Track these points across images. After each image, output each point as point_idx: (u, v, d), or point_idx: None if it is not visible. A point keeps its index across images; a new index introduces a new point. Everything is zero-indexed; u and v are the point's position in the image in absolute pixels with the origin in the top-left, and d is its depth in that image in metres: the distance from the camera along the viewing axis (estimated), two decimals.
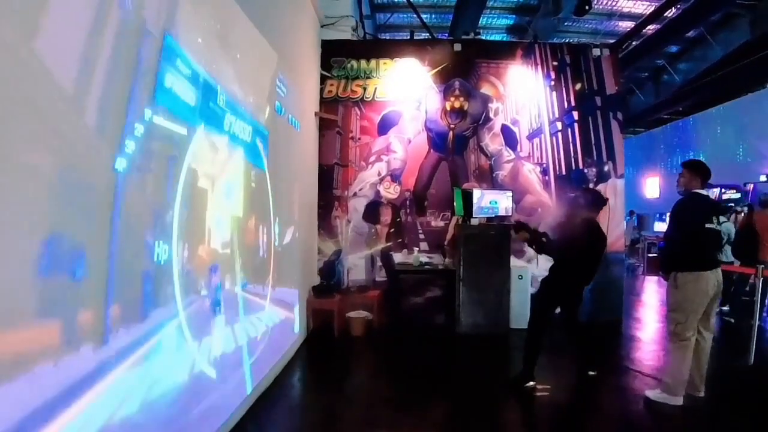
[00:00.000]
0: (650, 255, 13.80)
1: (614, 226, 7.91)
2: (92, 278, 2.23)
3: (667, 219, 4.75)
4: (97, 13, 2.22)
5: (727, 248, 8.38)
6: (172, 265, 2.95)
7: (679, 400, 4.43)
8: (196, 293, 3.33)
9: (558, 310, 5.20)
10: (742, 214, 8.90)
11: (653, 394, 4.59)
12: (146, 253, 2.69)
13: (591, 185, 7.81)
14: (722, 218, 8.28)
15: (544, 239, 5.37)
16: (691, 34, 12.96)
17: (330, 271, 7.57)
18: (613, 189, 7.92)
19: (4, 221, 1.75)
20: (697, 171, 4.60)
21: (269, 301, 5.05)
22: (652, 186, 18.68)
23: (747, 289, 8.24)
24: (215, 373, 3.61)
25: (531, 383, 4.90)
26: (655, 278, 12.61)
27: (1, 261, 1.75)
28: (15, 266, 1.82)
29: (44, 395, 1.94)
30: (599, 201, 5.17)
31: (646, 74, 16.88)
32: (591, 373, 5.16)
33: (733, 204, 11.24)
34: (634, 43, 11.84)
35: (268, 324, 4.98)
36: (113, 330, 2.37)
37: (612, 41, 10.00)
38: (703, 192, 4.59)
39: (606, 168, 7.98)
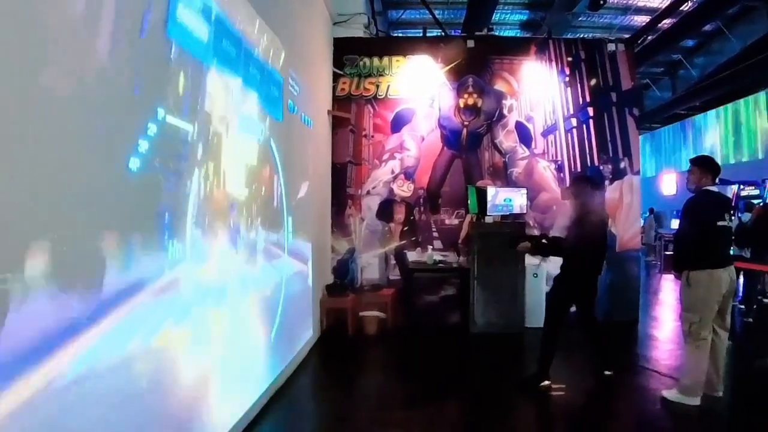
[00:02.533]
0: (667, 253, 13.62)
1: (630, 223, 7.82)
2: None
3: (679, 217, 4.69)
4: None
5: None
6: (189, 201, 2.99)
7: (696, 401, 4.35)
8: (213, 234, 3.37)
9: (573, 308, 5.14)
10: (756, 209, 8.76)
11: (670, 394, 4.51)
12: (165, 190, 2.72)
13: (607, 182, 7.72)
14: (745, 214, 8.20)
15: (544, 241, 5.32)
16: (707, 27, 12.82)
17: (343, 269, 7.54)
18: (629, 186, 7.83)
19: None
20: (707, 167, 4.53)
21: (285, 251, 5.09)
22: (668, 183, 18.52)
23: (759, 287, 8.15)
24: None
25: (546, 383, 4.84)
26: (672, 276, 12.44)
27: None
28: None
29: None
30: (601, 185, 5.08)
31: (663, 69, 16.76)
32: (607, 372, 5.09)
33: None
34: (649, 37, 11.70)
35: (285, 273, 5.05)
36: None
37: (627, 36, 9.94)
38: (714, 189, 4.52)
39: (622, 165, 7.88)
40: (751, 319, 7.93)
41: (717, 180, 4.57)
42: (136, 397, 2.44)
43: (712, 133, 16.26)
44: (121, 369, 2.29)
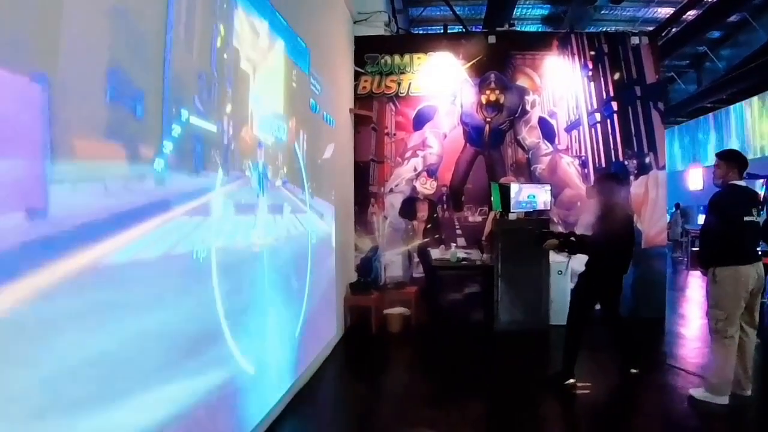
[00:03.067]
0: (694, 249, 13.39)
1: (656, 219, 7.72)
2: (150, 119, 2.36)
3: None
4: None
5: None
6: (217, 133, 3.06)
7: (724, 399, 4.27)
8: (241, 171, 3.44)
9: (598, 306, 5.09)
10: None
11: (698, 393, 4.42)
12: (195, 112, 2.79)
13: (632, 177, 7.63)
14: None
15: (573, 238, 5.28)
16: (733, 18, 12.55)
17: (367, 267, 7.58)
18: (654, 181, 7.72)
19: (75, 36, 1.86)
20: (733, 161, 4.44)
21: (309, 206, 5.13)
22: (695, 177, 18.25)
23: None
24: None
25: (571, 381, 4.79)
26: (698, 273, 12.23)
27: (77, 72, 1.88)
28: (89, 83, 1.96)
29: (115, 206, 2.10)
30: (626, 182, 5.04)
31: (688, 62, 16.47)
32: (633, 371, 5.02)
33: None
34: (673, 29, 11.47)
35: (309, 228, 5.09)
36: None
37: (651, 29, 9.74)
38: (741, 183, 4.43)
39: (647, 159, 7.77)
40: None
41: (744, 174, 4.48)
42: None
43: (739, 126, 15.98)
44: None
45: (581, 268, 5.08)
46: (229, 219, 3.26)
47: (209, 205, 2.95)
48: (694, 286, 11.18)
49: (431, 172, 7.84)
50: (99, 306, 1.99)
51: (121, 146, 2.15)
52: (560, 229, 7.34)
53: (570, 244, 5.24)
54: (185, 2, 2.68)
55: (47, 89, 1.71)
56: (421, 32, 11.82)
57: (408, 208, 7.81)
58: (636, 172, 7.75)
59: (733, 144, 15.45)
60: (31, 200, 1.66)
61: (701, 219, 15.14)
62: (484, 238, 7.63)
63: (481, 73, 7.87)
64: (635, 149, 7.80)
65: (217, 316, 3.07)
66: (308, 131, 5.07)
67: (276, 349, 4.17)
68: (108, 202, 2.06)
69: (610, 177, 5.30)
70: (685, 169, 19.22)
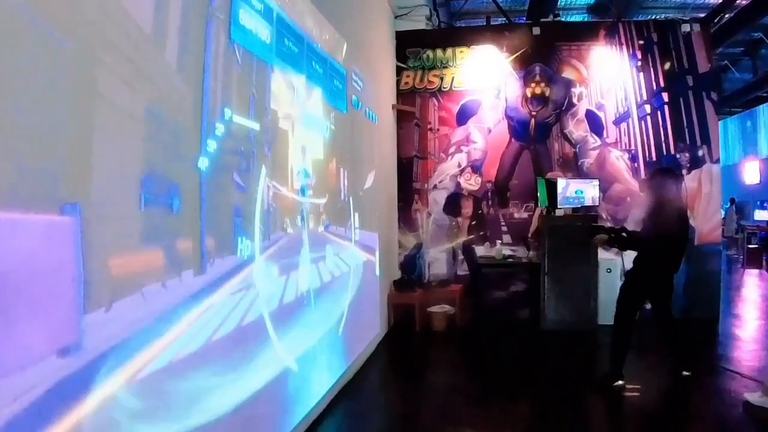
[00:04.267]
0: (750, 246, 12.91)
1: (710, 215, 7.44)
2: (188, 210, 2.40)
3: None
4: None
5: None
6: (257, 200, 3.10)
7: None
8: (282, 230, 3.50)
9: (648, 305, 4.94)
10: None
11: (754, 398, 4.24)
12: (234, 187, 2.85)
13: (684, 171, 7.38)
14: None
15: (624, 234, 5.14)
16: None
17: (411, 265, 7.56)
18: (708, 175, 7.45)
19: (107, 155, 1.88)
20: None
21: (352, 242, 5.20)
22: (751, 171, 17.61)
23: None
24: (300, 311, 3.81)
25: (619, 382, 4.69)
26: (756, 271, 11.79)
27: (109, 192, 1.90)
28: (120, 198, 1.99)
29: (154, 312, 2.13)
30: (679, 179, 4.90)
31: (742, 49, 15.88)
32: (685, 373, 4.85)
33: None
34: (727, 15, 11.06)
35: (351, 264, 5.13)
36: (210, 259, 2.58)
37: (702, 15, 9.41)
38: None
39: (700, 153, 7.50)
40: None
41: None
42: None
43: None
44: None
45: (631, 266, 4.95)
46: (273, 281, 3.31)
47: (251, 276, 2.99)
48: (750, 285, 10.77)
49: (476, 167, 7.74)
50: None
51: (158, 249, 2.19)
52: (608, 225, 7.18)
53: (620, 239, 5.11)
54: (220, 82, 2.69)
55: (79, 219, 1.73)
56: (463, 25, 11.64)
57: (452, 204, 7.75)
58: (689, 165, 7.50)
59: None
60: (63, 339, 1.67)
61: (758, 215, 14.63)
62: (530, 235, 7.56)
63: (525, 65, 7.73)
64: (687, 142, 7.54)
65: (263, 319, 3.12)
66: (349, 168, 5.09)
67: (320, 347, 4.19)
68: (146, 309, 2.08)
69: (664, 172, 5.12)
70: (741, 161, 18.57)
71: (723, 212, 11.39)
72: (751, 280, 11.24)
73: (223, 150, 2.69)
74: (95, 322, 1.78)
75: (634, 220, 6.94)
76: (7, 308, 1.46)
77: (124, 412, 1.92)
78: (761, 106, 17.35)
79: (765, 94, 16.01)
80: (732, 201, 15.48)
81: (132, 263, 2.00)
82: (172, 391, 2.23)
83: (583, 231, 5.63)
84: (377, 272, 6.24)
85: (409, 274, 7.38)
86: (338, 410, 4.33)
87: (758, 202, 15.21)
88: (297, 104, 3.76)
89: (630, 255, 5.09)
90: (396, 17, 7.76)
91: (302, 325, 3.79)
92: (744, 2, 11.01)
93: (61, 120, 1.68)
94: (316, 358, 4.09)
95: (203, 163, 2.49)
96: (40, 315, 1.58)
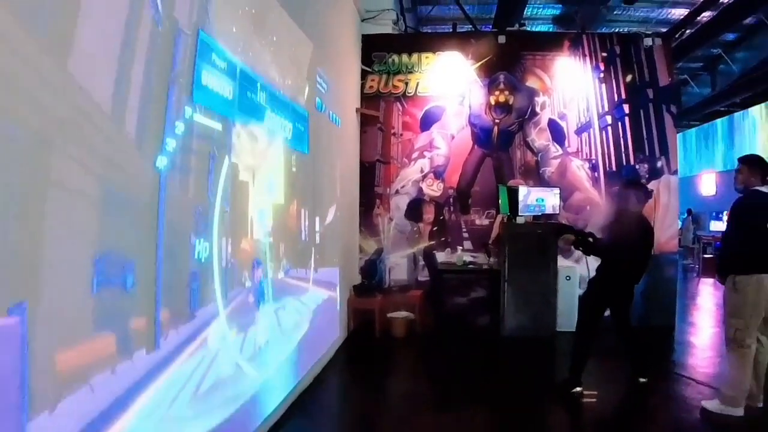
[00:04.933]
0: (706, 256, 13.21)
1: (667, 224, 7.58)
2: (142, 285, 2.29)
3: (725, 218, 4.49)
4: (128, 22, 2.18)
5: None
6: (213, 262, 2.98)
7: (740, 411, 4.16)
8: (241, 285, 3.40)
9: (608, 312, 4.99)
10: None
11: (711, 405, 4.31)
12: (190, 254, 2.75)
13: (643, 182, 7.48)
14: None
15: (590, 239, 5.19)
16: (749, 20, 12.32)
17: (371, 270, 7.49)
18: (666, 186, 7.59)
19: (57, 244, 1.79)
20: (756, 166, 4.34)
21: (312, 282, 5.13)
22: (708, 183, 18.03)
23: None
24: (258, 365, 3.68)
25: (578, 389, 4.74)
26: (710, 281, 12.03)
27: (58, 283, 1.79)
28: (71, 287, 1.87)
29: (102, 403, 1.99)
30: (646, 193, 4.99)
31: (702, 64, 16.26)
32: (642, 380, 4.95)
33: None
34: (687, 31, 11.29)
35: (311, 306, 5.07)
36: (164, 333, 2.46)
37: (664, 30, 9.61)
38: (764, 189, 4.32)
39: (659, 164, 7.64)
40: None
41: (766, 179, 4.36)
42: None
43: (754, 131, 15.77)
44: None
45: (592, 274, 5.04)
46: (231, 341, 3.25)
47: (209, 337, 2.91)
48: (706, 294, 11.00)
49: (438, 173, 7.73)
50: None
51: (109, 333, 2.08)
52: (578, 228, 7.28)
53: (586, 243, 5.15)
54: (180, 145, 2.61)
55: (25, 317, 1.63)
56: (429, 31, 11.69)
57: (414, 210, 7.71)
58: (647, 176, 7.63)
59: (748, 149, 15.22)
60: None
61: (713, 225, 14.97)
62: (491, 242, 7.58)
63: (490, 73, 7.76)
64: (647, 153, 7.68)
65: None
66: (310, 207, 5.04)
67: (277, 352, 4.11)
68: (93, 402, 1.95)
69: (629, 184, 5.22)
70: (698, 174, 19.00)
71: (680, 222, 11.61)
72: (706, 289, 11.47)
73: (183, 211, 2.64)
74: (38, 428, 1.67)
75: (593, 229, 7.00)
76: None
77: None
78: (718, 120, 17.79)
79: (722, 109, 16.40)
80: (689, 212, 15.81)
81: (81, 354, 1.90)
82: None
83: (550, 229, 5.65)
84: (338, 306, 6.19)
85: (370, 280, 7.31)
86: (295, 418, 4.24)
87: (714, 213, 15.55)
88: (258, 154, 3.70)
89: (591, 263, 5.14)
90: (363, 20, 7.71)
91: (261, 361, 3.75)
92: (705, 19, 11.28)
93: (8, 214, 1.60)
94: (273, 365, 4.00)
95: (162, 231, 2.41)
96: None
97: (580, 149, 7.78)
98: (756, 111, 15.54)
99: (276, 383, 4.08)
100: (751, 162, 4.39)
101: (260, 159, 3.74)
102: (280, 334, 4.16)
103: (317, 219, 5.30)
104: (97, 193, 2.00)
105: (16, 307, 1.60)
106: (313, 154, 5.05)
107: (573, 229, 5.34)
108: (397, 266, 7.69)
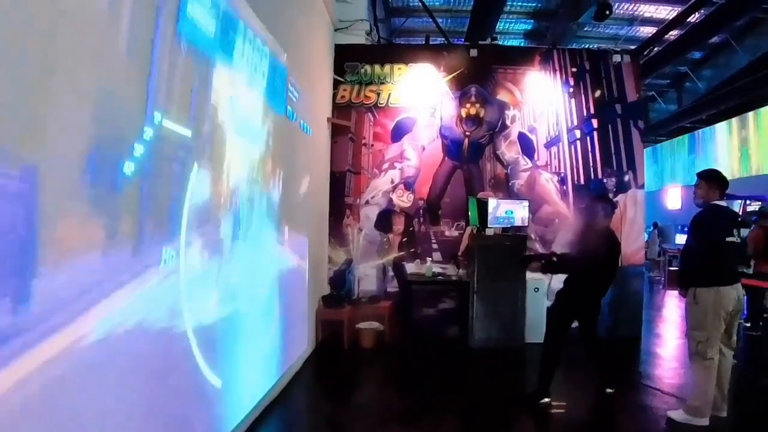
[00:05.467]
0: (671, 268, 13.44)
1: (634, 237, 7.69)
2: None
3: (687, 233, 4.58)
4: None
5: None
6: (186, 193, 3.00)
7: (705, 421, 4.22)
8: (216, 222, 3.44)
9: (575, 324, 5.03)
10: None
11: (677, 415, 4.36)
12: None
13: (611, 195, 7.58)
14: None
15: (554, 258, 5.26)
16: (715, 39, 12.69)
17: (340, 280, 7.43)
18: (633, 200, 7.71)
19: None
20: (714, 181, 4.43)
21: (285, 244, 5.16)
22: (673, 197, 18.36)
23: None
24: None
25: (546, 400, 4.76)
26: (676, 292, 12.22)
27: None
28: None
29: (99, 276, 2.16)
30: (612, 207, 5.07)
31: (668, 81, 16.65)
32: (609, 390, 4.99)
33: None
34: (656, 49, 11.54)
35: (282, 265, 5.07)
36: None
37: (633, 47, 9.80)
38: (723, 203, 4.44)
39: (626, 178, 7.76)
40: (759, 333, 7.84)
41: (724, 194, 4.46)
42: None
43: (718, 146, 16.13)
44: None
45: (559, 285, 5.06)
46: (204, 272, 3.25)
47: (181, 263, 2.90)
48: (671, 305, 11.15)
49: (408, 184, 7.72)
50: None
51: (101, 224, 2.18)
52: (537, 246, 7.34)
53: (552, 264, 5.22)
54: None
55: (34, 181, 1.79)
56: (402, 43, 11.73)
57: (384, 220, 7.68)
58: (615, 190, 7.74)
59: (711, 164, 15.56)
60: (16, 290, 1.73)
61: (679, 238, 15.23)
62: (460, 254, 7.57)
63: (461, 86, 7.80)
64: (614, 167, 7.79)
65: (186, 332, 2.98)
66: (284, 168, 5.01)
67: (243, 362, 4.04)
68: (90, 279, 2.10)
69: (597, 199, 5.29)
70: (664, 188, 19.35)
71: (646, 235, 11.79)
72: (671, 301, 11.62)
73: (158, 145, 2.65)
74: (41, 286, 1.82)
75: (561, 241, 7.07)
76: None
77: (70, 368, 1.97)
78: (683, 136, 18.16)
79: (688, 125, 16.76)
80: (655, 225, 16.06)
81: (78, 233, 2.05)
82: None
83: (517, 261, 5.70)
84: (306, 277, 6.11)
85: (339, 290, 7.24)
86: (261, 431, 4.18)
87: (679, 227, 15.82)
88: (238, 100, 3.71)
89: (559, 276, 5.18)
90: (336, 30, 7.69)
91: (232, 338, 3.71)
92: (672, 37, 11.54)
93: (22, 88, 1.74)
94: (239, 376, 3.92)
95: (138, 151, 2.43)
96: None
97: (549, 162, 7.85)
98: (721, 127, 15.89)
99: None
100: (709, 177, 4.47)
101: (239, 106, 3.78)
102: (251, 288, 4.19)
103: (291, 182, 5.35)
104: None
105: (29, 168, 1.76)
106: (286, 120, 5.09)
107: (535, 256, 5.42)
108: (367, 277, 7.64)
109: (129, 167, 2.33)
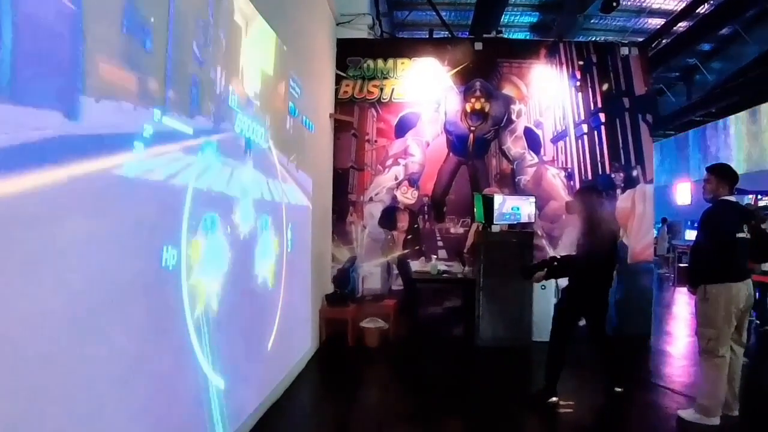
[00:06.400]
0: (681, 265, 13.28)
1: (643, 234, 7.57)
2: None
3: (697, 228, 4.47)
4: None
5: None
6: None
7: (716, 420, 4.15)
8: (231, 123, 3.57)
9: (582, 322, 4.97)
10: None
11: (687, 414, 4.30)
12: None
13: (618, 191, 7.50)
14: None
15: (555, 263, 5.24)
16: (725, 31, 12.50)
17: (344, 279, 7.35)
18: (642, 195, 7.59)
19: None
20: (724, 176, 4.36)
21: (291, 177, 5.23)
22: (683, 192, 18.17)
23: None
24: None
25: (553, 399, 4.70)
26: (686, 289, 12.09)
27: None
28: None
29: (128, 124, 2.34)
30: (598, 194, 4.97)
31: (677, 74, 16.45)
32: (617, 389, 4.93)
33: None
34: (664, 41, 11.37)
35: (290, 200, 5.15)
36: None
37: (641, 39, 9.66)
38: (732, 199, 4.36)
39: (634, 173, 7.64)
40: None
41: (734, 189, 4.37)
42: None
43: (729, 140, 15.93)
44: None
45: (566, 283, 5.02)
46: (217, 164, 3.36)
47: (201, 147, 3.07)
48: (681, 303, 11.07)
49: (413, 181, 7.64)
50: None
51: (134, 75, 2.36)
52: (544, 242, 7.31)
53: (555, 270, 5.17)
54: None
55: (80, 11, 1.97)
56: (405, 36, 11.64)
57: (388, 218, 7.61)
58: (623, 185, 7.62)
59: (722, 159, 15.37)
60: (66, 105, 1.92)
61: (689, 234, 15.08)
62: (465, 251, 7.52)
63: (466, 80, 7.70)
64: (622, 162, 7.67)
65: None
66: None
67: (246, 363, 3.99)
68: (126, 119, 2.30)
69: (590, 189, 5.19)
70: (673, 183, 19.16)
71: (655, 232, 11.65)
72: (681, 298, 11.54)
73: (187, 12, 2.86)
74: (89, 104, 2.02)
75: (567, 244, 7.01)
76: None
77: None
78: (692, 130, 17.96)
79: (698, 118, 16.55)
80: (664, 221, 15.91)
81: (115, 74, 2.22)
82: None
83: (520, 272, 5.63)
84: (309, 219, 6.11)
85: (342, 289, 7.16)
86: (266, 430, 4.13)
87: (689, 223, 15.66)
88: (251, 7, 3.92)
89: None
90: (338, 24, 7.61)
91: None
92: (681, 29, 11.37)
93: None
94: (241, 374, 3.85)
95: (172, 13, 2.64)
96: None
97: (555, 158, 7.74)
98: (731, 121, 15.69)
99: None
100: (719, 172, 4.40)
101: (252, 13, 3.94)
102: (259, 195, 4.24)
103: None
104: None
105: None
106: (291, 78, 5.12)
107: (537, 266, 5.34)
108: (371, 275, 7.58)
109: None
